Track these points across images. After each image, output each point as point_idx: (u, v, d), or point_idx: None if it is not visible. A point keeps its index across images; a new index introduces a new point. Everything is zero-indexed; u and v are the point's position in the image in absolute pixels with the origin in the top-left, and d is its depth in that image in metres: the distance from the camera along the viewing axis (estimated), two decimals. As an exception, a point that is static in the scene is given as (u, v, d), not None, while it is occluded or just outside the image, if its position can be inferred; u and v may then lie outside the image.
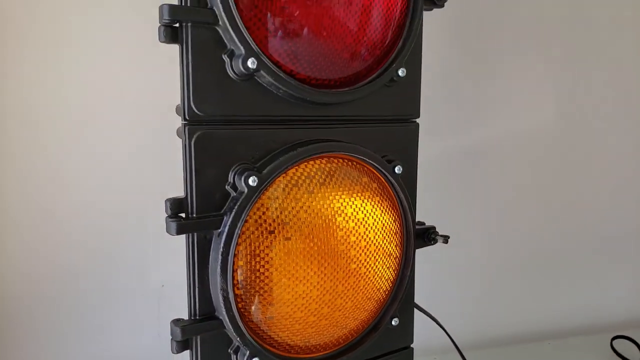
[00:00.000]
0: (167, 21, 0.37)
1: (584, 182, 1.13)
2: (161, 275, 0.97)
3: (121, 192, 0.91)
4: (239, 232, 0.40)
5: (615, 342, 1.10)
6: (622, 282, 1.20)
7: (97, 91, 0.86)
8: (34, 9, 0.82)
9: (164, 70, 0.68)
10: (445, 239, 0.52)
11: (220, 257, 0.40)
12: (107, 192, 0.91)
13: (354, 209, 0.45)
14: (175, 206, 0.40)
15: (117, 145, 0.90)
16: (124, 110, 0.89)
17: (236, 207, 0.40)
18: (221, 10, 0.38)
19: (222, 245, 0.40)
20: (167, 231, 0.40)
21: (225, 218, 0.40)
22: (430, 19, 0.80)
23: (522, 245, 1.11)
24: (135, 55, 0.86)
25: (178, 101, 0.41)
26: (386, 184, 0.49)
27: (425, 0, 0.50)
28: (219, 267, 0.40)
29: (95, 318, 0.93)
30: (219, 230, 0.40)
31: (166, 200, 0.40)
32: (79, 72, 0.85)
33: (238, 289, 0.41)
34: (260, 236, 0.41)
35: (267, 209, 0.41)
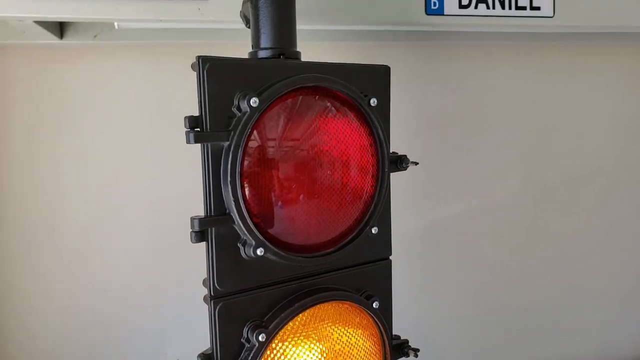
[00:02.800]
0: (197, 230, 0.51)
1: (553, 241, 1.25)
2: (177, 351, 1.09)
3: (140, 274, 1.03)
4: None
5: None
6: (598, 332, 1.31)
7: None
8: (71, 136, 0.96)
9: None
10: (415, 352, 0.65)
11: None
12: (127, 274, 1.02)
13: (342, 345, 0.59)
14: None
15: (136, 232, 1.02)
16: (143, 209, 1.02)
17: (251, 355, 0.53)
18: (236, 216, 0.51)
19: None
20: None
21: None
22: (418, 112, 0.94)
23: (505, 301, 1.23)
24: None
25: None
26: (368, 316, 0.62)
27: (391, 165, 0.63)
28: None
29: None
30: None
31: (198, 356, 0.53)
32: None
33: None
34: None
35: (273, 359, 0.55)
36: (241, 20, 0.67)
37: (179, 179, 1.01)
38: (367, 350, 0.61)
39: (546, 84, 1.18)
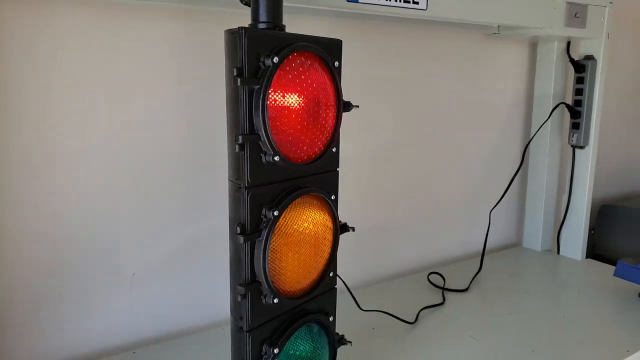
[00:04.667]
0: (240, 143, 0.78)
1: (419, 171, 1.73)
2: (132, 265, 1.29)
3: (96, 185, 1.17)
4: (271, 239, 0.83)
5: (430, 276, 1.76)
6: (436, 238, 1.86)
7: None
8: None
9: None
10: (353, 229, 1.01)
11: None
12: (85, 194, 1.16)
13: (314, 219, 0.91)
14: (241, 229, 0.81)
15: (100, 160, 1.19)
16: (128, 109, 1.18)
17: (267, 227, 0.83)
18: (263, 134, 0.79)
19: (262, 245, 0.82)
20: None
21: (263, 232, 0.83)
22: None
23: (379, 216, 1.67)
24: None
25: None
26: (327, 205, 0.95)
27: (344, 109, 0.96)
28: (261, 256, 0.82)
29: (73, 304, 1.18)
30: (260, 239, 0.83)
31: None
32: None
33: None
34: (277, 239, 0.85)
35: (279, 226, 0.85)
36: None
37: (150, 114, 1.20)
38: (327, 226, 0.95)
39: (420, 56, 1.63)
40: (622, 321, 1.41)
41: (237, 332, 0.86)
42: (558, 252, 1.99)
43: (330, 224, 0.96)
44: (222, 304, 1.39)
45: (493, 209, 1.87)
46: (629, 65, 2.46)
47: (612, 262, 1.77)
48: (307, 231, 0.90)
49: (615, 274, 1.60)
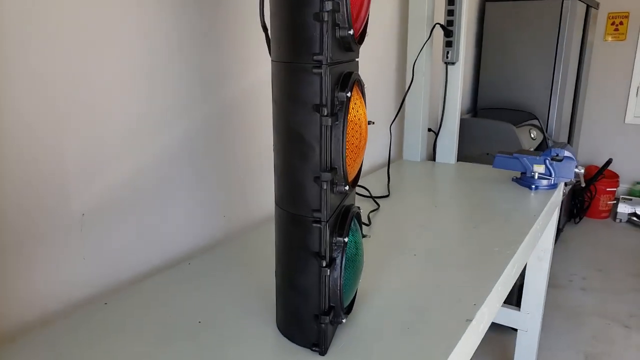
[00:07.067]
0: (327, 10, 0.70)
1: None
2: (81, 206, 1.06)
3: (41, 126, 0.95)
4: (347, 121, 0.78)
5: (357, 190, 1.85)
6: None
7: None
8: None
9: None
10: (373, 122, 1.01)
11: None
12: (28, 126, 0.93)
13: (359, 108, 0.89)
14: (326, 110, 0.74)
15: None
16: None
17: (343, 108, 0.78)
18: (344, 6, 0.73)
19: (341, 128, 0.77)
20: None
21: (339, 114, 0.78)
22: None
23: None
24: None
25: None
26: (362, 95, 0.93)
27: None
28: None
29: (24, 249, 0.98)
30: (337, 122, 0.77)
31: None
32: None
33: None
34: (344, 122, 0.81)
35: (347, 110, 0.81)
36: None
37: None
38: (365, 115, 0.94)
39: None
40: (503, 198, 1.74)
41: (307, 225, 0.81)
42: (434, 160, 2.29)
43: (365, 114, 0.95)
44: (176, 239, 1.25)
45: (392, 123, 2.04)
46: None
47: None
48: (356, 119, 0.88)
49: (495, 166, 1.94)
